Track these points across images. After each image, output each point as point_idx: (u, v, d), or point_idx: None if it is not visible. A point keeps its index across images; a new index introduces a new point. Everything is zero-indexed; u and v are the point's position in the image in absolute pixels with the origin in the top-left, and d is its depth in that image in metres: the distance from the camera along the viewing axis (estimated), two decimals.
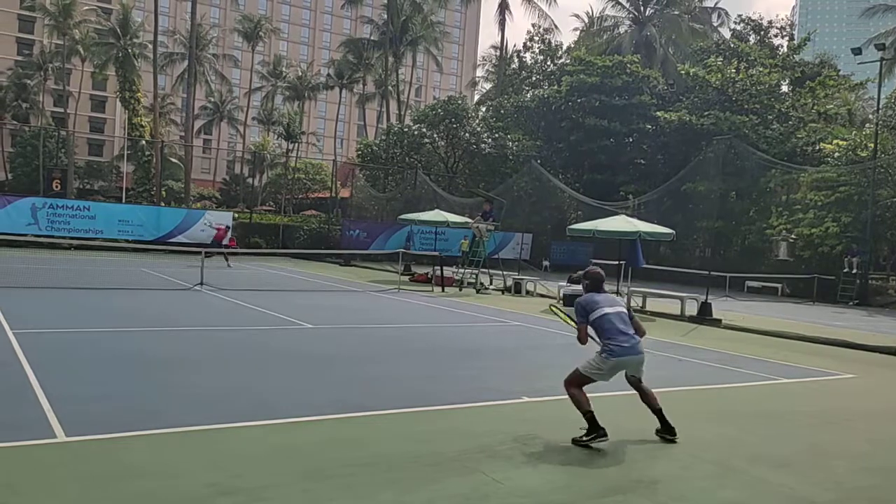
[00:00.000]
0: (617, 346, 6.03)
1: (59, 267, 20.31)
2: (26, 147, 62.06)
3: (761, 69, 38.52)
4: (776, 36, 47.20)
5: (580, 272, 7.20)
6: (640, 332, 6.32)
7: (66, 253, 27.29)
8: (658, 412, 6.26)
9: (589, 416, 5.87)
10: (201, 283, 17.49)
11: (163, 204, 45.55)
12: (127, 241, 29.50)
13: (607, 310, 6.19)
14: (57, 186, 35.40)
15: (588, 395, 6.11)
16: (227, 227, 29.14)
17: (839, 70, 43.97)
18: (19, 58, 78.46)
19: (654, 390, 6.45)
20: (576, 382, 6.15)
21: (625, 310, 6.33)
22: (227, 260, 25.56)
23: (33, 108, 68.62)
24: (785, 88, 41.55)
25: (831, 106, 39.49)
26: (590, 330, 6.23)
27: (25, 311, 11.73)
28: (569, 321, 6.56)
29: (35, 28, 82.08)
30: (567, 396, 6.14)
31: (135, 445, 5.21)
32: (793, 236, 31.11)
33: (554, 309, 7.32)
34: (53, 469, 4.63)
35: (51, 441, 5.15)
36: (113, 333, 10.34)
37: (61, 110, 69.14)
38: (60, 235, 28.77)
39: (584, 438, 5.84)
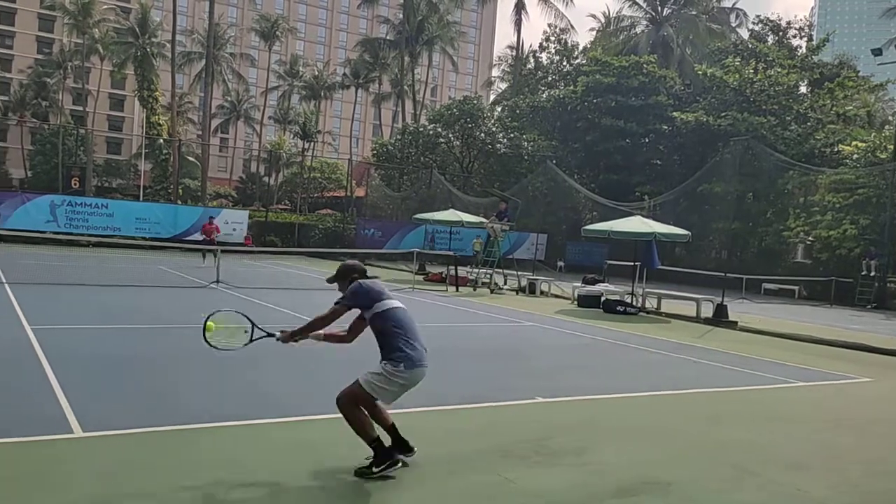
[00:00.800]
0: (415, 354, 4.69)
1: (78, 264, 20.51)
2: (46, 145, 62.76)
3: (779, 70, 38.21)
4: (795, 36, 46.82)
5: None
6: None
7: (85, 250, 27.55)
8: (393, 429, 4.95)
9: (376, 445, 4.65)
10: (217, 281, 17.61)
11: (179, 202, 45.92)
12: (144, 238, 29.75)
13: (397, 304, 4.87)
14: (76, 184, 35.77)
15: None
16: (211, 219, 27.14)
17: (858, 71, 43.49)
18: (39, 56, 79.33)
19: (669, 392, 6.43)
20: (358, 400, 4.72)
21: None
22: (203, 256, 23.73)
23: (53, 107, 69.37)
24: (803, 89, 41.20)
25: (850, 107, 39.11)
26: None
27: (44, 307, 11.87)
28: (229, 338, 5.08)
29: (55, 27, 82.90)
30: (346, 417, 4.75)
31: (150, 441, 5.26)
32: (810, 238, 30.86)
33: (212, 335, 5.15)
34: (70, 463, 4.69)
35: (68, 436, 5.21)
36: (129, 330, 10.43)
37: (80, 108, 69.87)
38: (79, 233, 29.05)
39: (375, 469, 4.59)
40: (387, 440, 4.75)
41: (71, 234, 28.56)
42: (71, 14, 58.24)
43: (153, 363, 8.02)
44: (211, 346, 5.01)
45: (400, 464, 4.70)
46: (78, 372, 7.25)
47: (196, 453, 5.06)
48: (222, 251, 20.14)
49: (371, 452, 4.63)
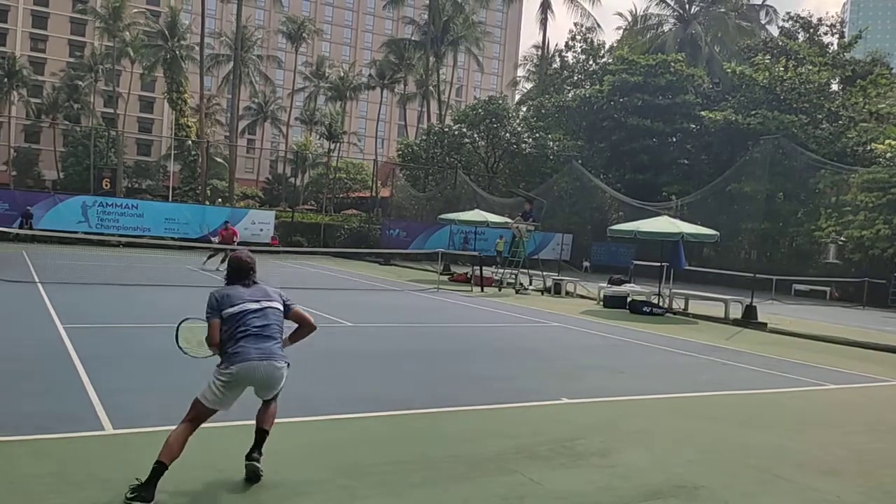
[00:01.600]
0: (242, 350, 4.46)
1: (108, 264, 20.84)
2: (77, 147, 63.87)
3: (810, 67, 37.62)
4: (826, 33, 46.03)
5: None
6: (307, 329, 5.03)
7: (115, 250, 27.98)
8: (262, 433, 4.76)
9: (157, 469, 4.16)
10: None
11: (207, 203, 46.44)
12: (173, 238, 30.14)
13: (251, 305, 4.65)
14: (107, 185, 36.35)
15: None
16: (226, 223, 25.24)
17: (892, 68, 42.61)
18: (71, 60, 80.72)
19: (696, 394, 6.35)
20: (191, 414, 4.54)
21: (280, 305, 4.84)
22: (222, 261, 21.46)
23: (84, 109, 70.58)
24: (835, 87, 40.49)
25: (883, 105, 38.33)
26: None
27: (75, 306, 12.07)
28: (195, 345, 5.04)
29: (86, 30, 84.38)
30: None
31: None
32: (842, 239, 30.34)
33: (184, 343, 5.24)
34: (101, 460, 4.76)
35: (99, 433, 5.29)
36: (158, 329, 10.56)
37: (111, 111, 70.98)
38: (109, 233, 29.53)
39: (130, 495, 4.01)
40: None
41: (102, 234, 29.04)
42: (102, 18, 59.24)
43: (182, 361, 8.10)
44: (181, 348, 5.09)
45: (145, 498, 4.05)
46: (108, 370, 7.36)
47: (226, 449, 5.11)
48: (249, 251, 20.28)
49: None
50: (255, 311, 4.62)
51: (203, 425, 4.56)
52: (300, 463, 4.92)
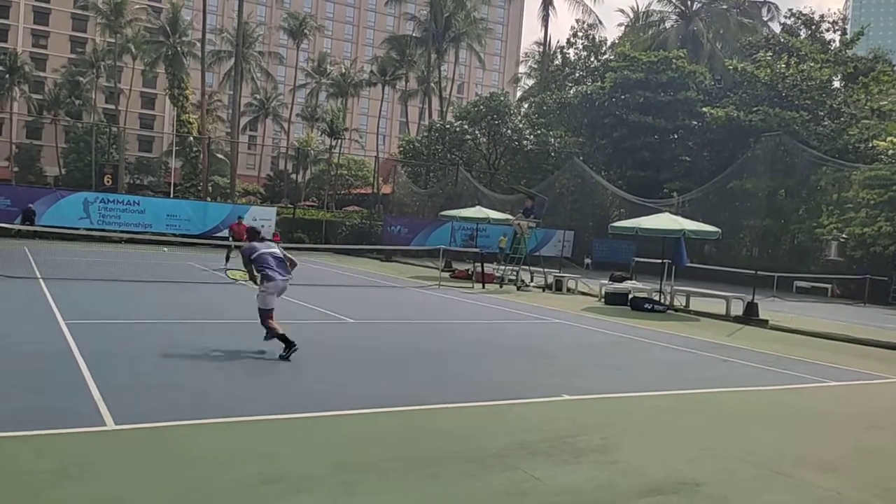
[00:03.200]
0: (273, 274, 8.51)
1: (110, 260, 20.85)
2: (79, 143, 63.91)
3: (812, 64, 37.54)
4: (828, 30, 45.98)
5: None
6: (293, 264, 8.93)
7: (117, 246, 28.00)
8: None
9: (283, 337, 8.24)
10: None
11: (209, 199, 46.46)
12: (174, 235, 30.16)
13: (263, 251, 8.69)
14: (108, 181, 36.40)
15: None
16: (240, 219, 25.40)
17: (894, 65, 42.54)
18: (73, 56, 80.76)
19: (697, 391, 6.36)
20: (269, 316, 8.45)
21: (279, 252, 8.85)
22: (227, 259, 21.34)
23: (86, 105, 70.58)
24: (837, 84, 40.44)
25: (885, 102, 38.24)
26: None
27: (77, 302, 12.09)
28: (241, 274, 9.54)
29: (88, 27, 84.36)
30: None
31: (181, 434, 5.34)
32: (844, 236, 30.32)
33: (231, 275, 10.90)
34: (103, 456, 4.77)
35: (100, 429, 5.30)
36: (160, 325, 10.59)
37: (112, 107, 71.02)
38: (111, 229, 29.53)
39: (284, 353, 8.17)
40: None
41: (104, 230, 29.04)
42: (103, 14, 59.19)
43: (185, 357, 8.13)
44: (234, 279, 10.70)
45: (295, 347, 8.20)
46: (110, 366, 7.37)
47: (228, 446, 5.12)
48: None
49: (283, 344, 8.24)
50: (269, 253, 8.71)
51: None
52: (302, 459, 4.93)
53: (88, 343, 8.38)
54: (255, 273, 8.61)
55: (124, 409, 5.78)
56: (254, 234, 9.10)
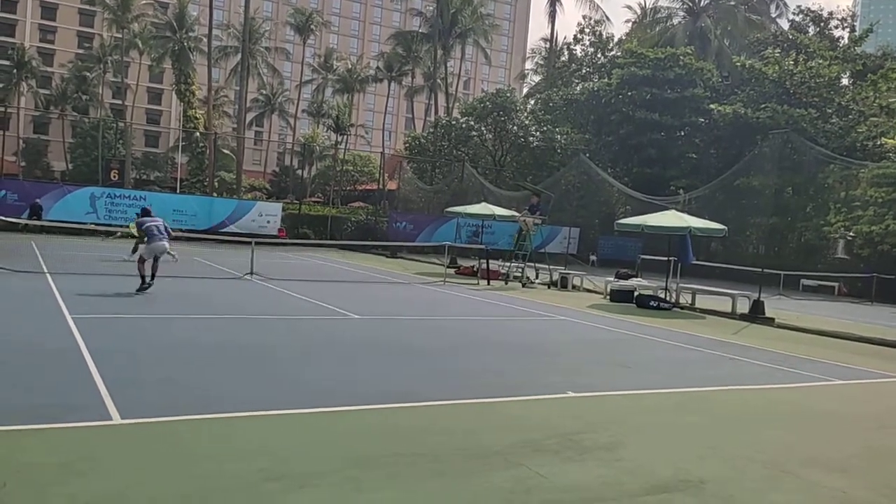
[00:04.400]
0: (153, 238, 13.27)
1: (116, 254, 20.89)
2: (86, 138, 64.02)
3: (821, 61, 37.37)
4: (837, 27, 45.68)
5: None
6: (170, 234, 13.76)
7: (122, 241, 28.03)
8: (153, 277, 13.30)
9: (143, 279, 13.00)
10: (251, 273, 17.82)
11: (215, 194, 46.53)
12: (181, 230, 30.15)
13: (150, 223, 13.48)
14: (115, 176, 36.45)
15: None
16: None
17: None
18: (80, 51, 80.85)
19: (703, 389, 6.31)
20: (142, 262, 13.16)
21: (162, 224, 13.67)
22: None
23: (93, 100, 70.75)
24: (845, 81, 40.23)
25: (894, 99, 38.05)
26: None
27: (83, 296, 12.12)
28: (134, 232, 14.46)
29: (95, 22, 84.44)
30: None
31: (187, 429, 5.34)
32: (851, 234, 30.17)
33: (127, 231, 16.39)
34: (108, 450, 4.77)
35: (106, 423, 5.31)
36: (167, 320, 10.61)
37: (119, 102, 71.17)
38: (118, 224, 29.59)
39: (138, 289, 12.80)
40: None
41: (110, 225, 29.11)
42: (110, 9, 59.28)
43: (190, 352, 8.14)
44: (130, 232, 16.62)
45: (147, 286, 12.94)
46: (116, 360, 7.38)
47: (233, 442, 5.12)
48: (256, 243, 20.36)
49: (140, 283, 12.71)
50: (154, 225, 13.47)
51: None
52: (307, 454, 4.93)
53: (95, 338, 8.40)
54: (143, 235, 13.61)
55: (130, 403, 5.79)
56: (146, 213, 14.06)
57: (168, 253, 13.69)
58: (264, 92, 77.69)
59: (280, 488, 4.28)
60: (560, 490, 4.59)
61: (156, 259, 13.35)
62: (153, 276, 13.17)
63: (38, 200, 28.35)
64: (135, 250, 21.16)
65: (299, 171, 74.92)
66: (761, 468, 5.42)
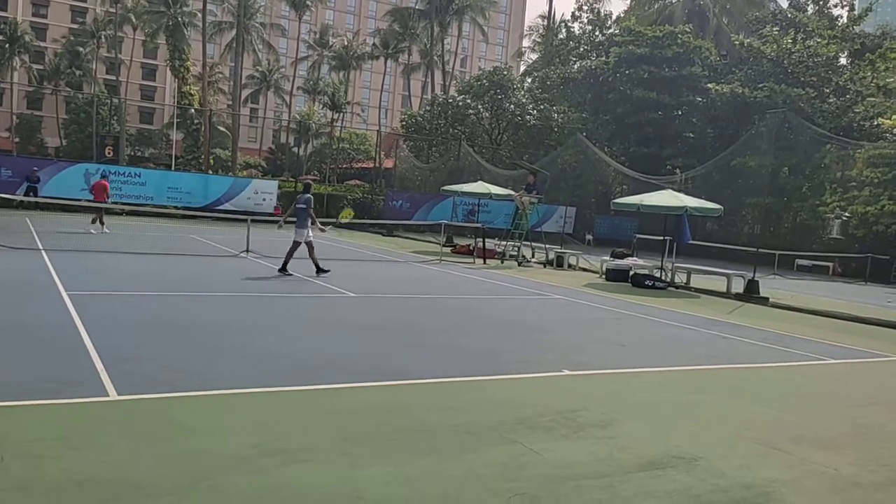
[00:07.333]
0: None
1: (112, 232, 20.84)
2: (80, 114, 63.49)
3: (819, 40, 37.20)
4: (836, 6, 45.47)
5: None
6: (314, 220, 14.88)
7: (118, 218, 27.96)
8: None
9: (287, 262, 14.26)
10: (247, 251, 17.81)
11: (210, 172, 46.33)
12: (176, 207, 30.10)
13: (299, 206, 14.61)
14: (109, 153, 36.25)
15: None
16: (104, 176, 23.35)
17: None
18: (73, 26, 79.92)
19: (697, 367, 6.35)
20: (292, 249, 14.68)
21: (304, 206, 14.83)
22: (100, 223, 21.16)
23: (86, 76, 70.06)
24: (843, 61, 40.08)
25: (892, 79, 37.95)
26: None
27: (79, 274, 12.12)
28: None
29: None
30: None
31: (183, 406, 5.37)
32: (846, 214, 30.25)
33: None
34: (105, 425, 4.80)
35: (103, 399, 5.33)
36: (163, 297, 10.61)
37: (113, 78, 70.55)
38: (112, 201, 29.46)
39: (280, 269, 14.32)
40: None
41: (104, 202, 28.94)
42: None
43: (186, 329, 8.16)
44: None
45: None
46: (113, 337, 7.40)
47: (228, 418, 5.15)
48: (252, 220, 20.34)
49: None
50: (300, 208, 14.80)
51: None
52: (302, 431, 4.96)
53: (91, 314, 8.41)
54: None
55: (126, 379, 5.81)
56: (307, 187, 15.95)
57: None
58: (259, 68, 77.00)
59: (274, 463, 4.32)
60: (553, 466, 4.64)
61: None
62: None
63: (35, 169, 28.10)
64: (93, 221, 21.28)
65: (295, 149, 74.54)
66: (752, 445, 5.48)
